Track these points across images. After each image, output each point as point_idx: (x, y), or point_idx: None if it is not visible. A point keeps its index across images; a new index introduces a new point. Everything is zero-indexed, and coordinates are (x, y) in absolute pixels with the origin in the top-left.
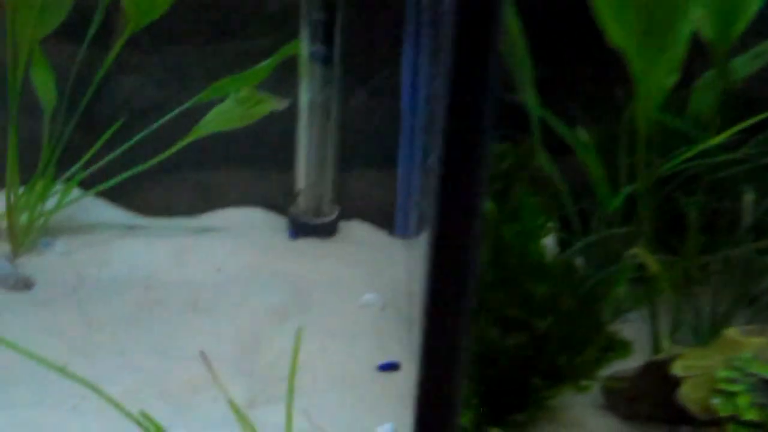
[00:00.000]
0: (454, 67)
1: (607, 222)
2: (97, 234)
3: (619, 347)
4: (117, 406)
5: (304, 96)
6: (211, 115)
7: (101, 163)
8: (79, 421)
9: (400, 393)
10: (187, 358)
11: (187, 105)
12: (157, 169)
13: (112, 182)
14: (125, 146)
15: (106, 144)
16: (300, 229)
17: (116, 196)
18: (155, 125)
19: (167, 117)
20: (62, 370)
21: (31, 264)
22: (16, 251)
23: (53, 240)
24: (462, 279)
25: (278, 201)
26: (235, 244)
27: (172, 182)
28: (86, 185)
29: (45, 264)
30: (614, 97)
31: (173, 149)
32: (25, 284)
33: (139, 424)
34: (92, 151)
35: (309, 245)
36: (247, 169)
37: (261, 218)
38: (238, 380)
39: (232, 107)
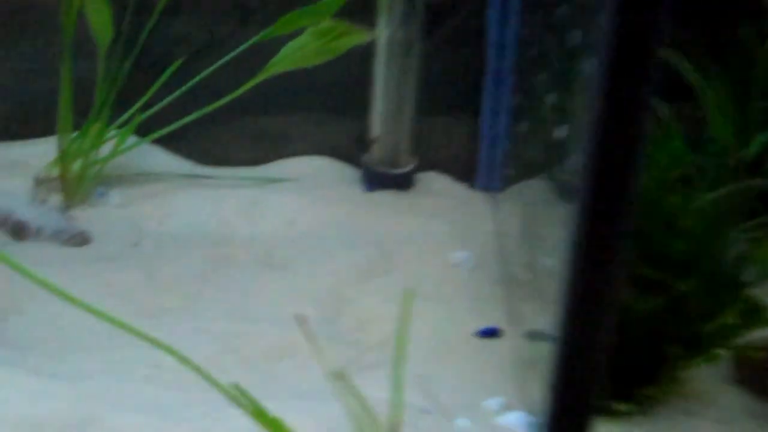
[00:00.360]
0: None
1: (733, 174)
2: (155, 184)
3: (761, 313)
4: (207, 377)
5: (383, 31)
6: (285, 51)
7: (159, 106)
8: (153, 393)
9: (502, 362)
10: (267, 321)
11: (253, 40)
12: (216, 114)
13: (170, 128)
14: (185, 87)
15: (164, 86)
16: (375, 181)
17: (172, 142)
18: (217, 64)
19: (231, 55)
20: (140, 334)
21: (85, 217)
22: (69, 203)
23: (107, 190)
24: (616, 250)
25: (348, 150)
26: (307, 196)
27: (233, 129)
28: (142, 131)
29: (100, 217)
30: (742, 37)
31: (241, 90)
32: (81, 239)
33: (231, 397)
34: (149, 93)
35: (386, 198)
36: (313, 114)
37: (330, 168)
38: (324, 346)
39: (308, 41)
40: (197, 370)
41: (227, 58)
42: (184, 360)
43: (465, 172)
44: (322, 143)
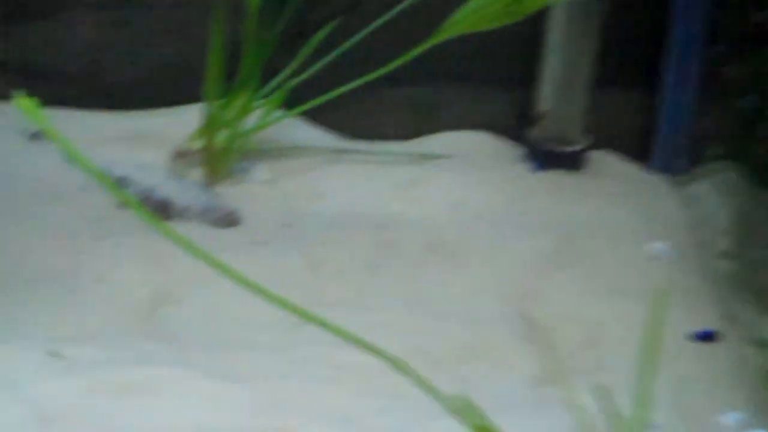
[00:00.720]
0: None
1: None
2: (302, 159)
3: None
4: (425, 384)
5: None
6: (462, 12)
7: (307, 73)
8: (343, 398)
9: (726, 370)
10: (452, 317)
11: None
12: (363, 84)
13: (322, 99)
14: (336, 53)
15: (314, 53)
16: (542, 159)
17: (315, 114)
18: (373, 26)
19: (389, 15)
20: (324, 323)
21: (231, 194)
22: (212, 178)
23: (251, 165)
24: None
25: (508, 124)
26: (470, 175)
27: (382, 100)
28: (288, 102)
29: (246, 194)
30: None
31: (408, 56)
32: (230, 219)
33: (451, 408)
34: (298, 59)
35: (557, 179)
36: (469, 84)
37: (489, 144)
38: (517, 347)
39: (490, 1)
40: (414, 376)
41: (384, 19)
42: (396, 362)
43: (639, 151)
44: (479, 116)
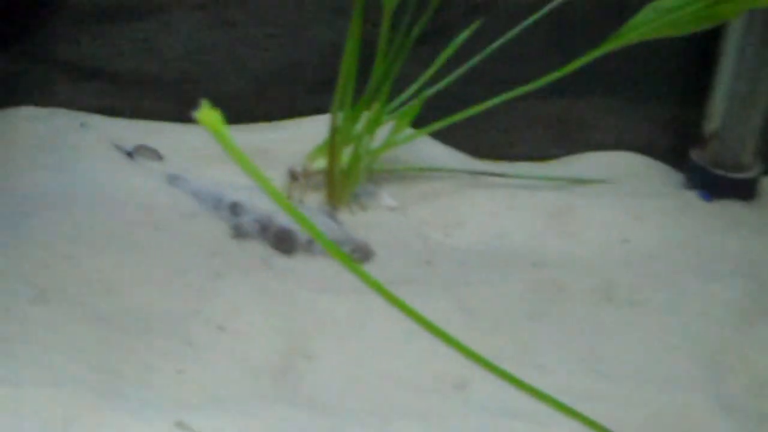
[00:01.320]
0: None
1: None
2: (432, 182)
3: None
4: None
5: None
6: (645, 15)
7: (444, 83)
8: None
9: None
10: (634, 378)
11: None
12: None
13: (456, 117)
14: (475, 60)
15: (450, 59)
16: (711, 186)
17: (442, 131)
18: (515, 31)
19: (533, 18)
20: (536, 391)
21: (356, 223)
22: (335, 203)
23: (376, 189)
24: None
25: (667, 145)
26: (631, 204)
27: (515, 115)
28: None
29: (374, 223)
30: None
31: (570, 68)
32: (364, 253)
33: None
34: (434, 67)
35: (732, 210)
36: (620, 98)
37: (644, 167)
38: (719, 417)
39: (681, 3)
40: None
41: (529, 22)
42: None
43: None
44: (631, 135)
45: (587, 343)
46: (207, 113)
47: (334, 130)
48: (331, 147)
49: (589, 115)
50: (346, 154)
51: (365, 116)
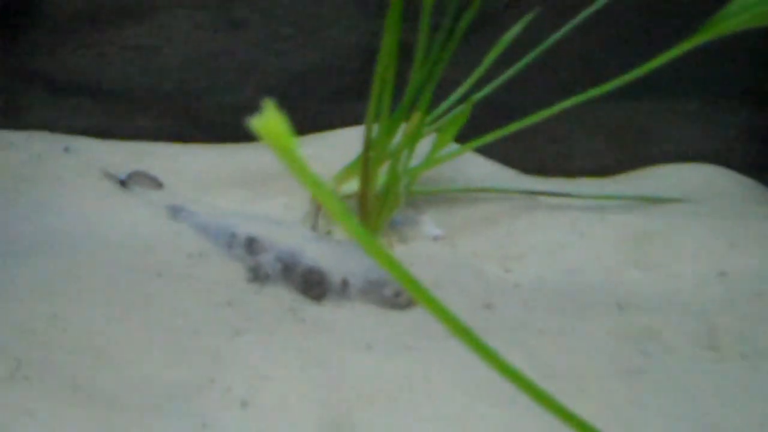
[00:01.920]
0: None
1: None
2: (484, 205)
3: None
4: None
5: None
6: (740, 4)
7: (489, 88)
8: None
9: None
10: None
11: None
12: (543, 100)
13: (512, 127)
14: (526, 60)
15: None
16: None
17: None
18: (575, 20)
19: (584, 14)
20: None
21: (396, 257)
22: (371, 233)
23: (417, 215)
24: None
25: (746, 154)
26: (720, 227)
27: (570, 121)
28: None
29: (417, 257)
30: None
31: (646, 68)
32: (407, 297)
33: None
34: (481, 69)
35: None
36: (694, 101)
37: (726, 182)
38: None
39: None
40: None
41: (588, 11)
42: None
43: None
44: (708, 144)
45: (698, 407)
46: (270, 122)
47: (369, 145)
48: (365, 165)
49: (658, 122)
50: (381, 174)
51: (403, 128)
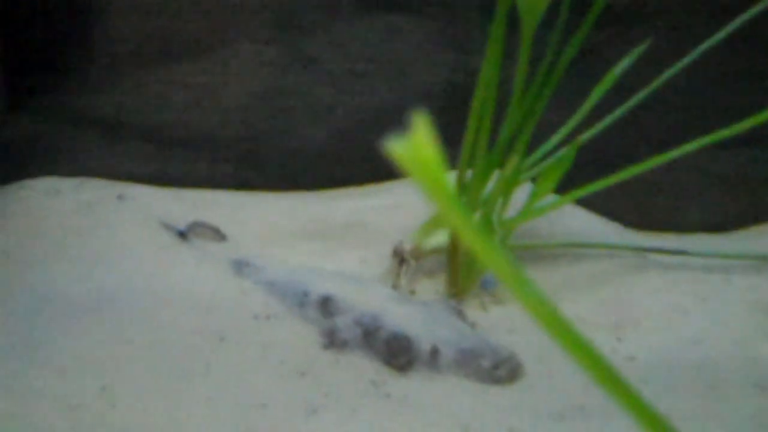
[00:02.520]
0: None
1: None
2: (585, 263)
3: None
4: None
5: None
6: None
7: (596, 129)
8: None
9: None
10: None
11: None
12: (641, 144)
13: (621, 175)
14: (639, 97)
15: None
16: None
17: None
18: (685, 61)
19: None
20: None
21: (491, 322)
22: (459, 294)
23: None
24: None
25: None
26: None
27: (684, 171)
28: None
29: (516, 322)
30: None
31: (754, 120)
32: (510, 369)
33: None
34: (585, 109)
35: None
36: None
37: None
38: None
39: None
40: None
41: (715, 39)
42: None
43: None
44: None
45: None
46: (417, 144)
47: (461, 191)
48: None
49: None
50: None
51: (497, 175)
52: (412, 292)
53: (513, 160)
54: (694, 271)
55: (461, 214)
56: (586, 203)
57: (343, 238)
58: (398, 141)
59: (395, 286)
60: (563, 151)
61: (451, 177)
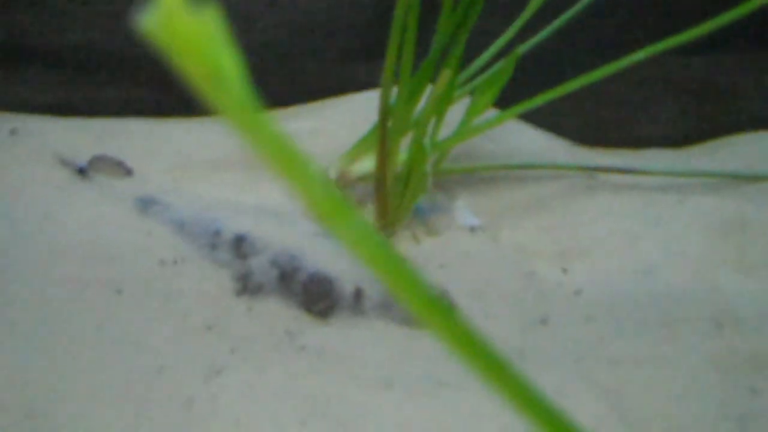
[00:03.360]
0: None
1: None
2: (529, 186)
3: None
4: None
5: None
6: None
7: (537, 38)
8: None
9: None
10: None
11: None
12: (596, 52)
13: (571, 85)
14: (578, 6)
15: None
16: None
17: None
18: None
19: None
20: None
21: (424, 254)
22: (390, 224)
23: (448, 199)
24: None
25: None
26: None
27: (638, 82)
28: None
29: (451, 254)
30: None
31: (713, 23)
32: None
33: None
34: (528, 12)
35: None
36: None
37: None
38: None
39: None
40: None
41: None
42: None
43: None
44: None
45: None
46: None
47: (386, 113)
48: (382, 139)
49: (744, 79)
50: (402, 150)
51: (429, 91)
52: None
53: (445, 75)
54: (646, 192)
55: (239, 102)
56: (533, 119)
57: (264, 169)
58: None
59: (317, 221)
60: (501, 63)
61: (373, 97)
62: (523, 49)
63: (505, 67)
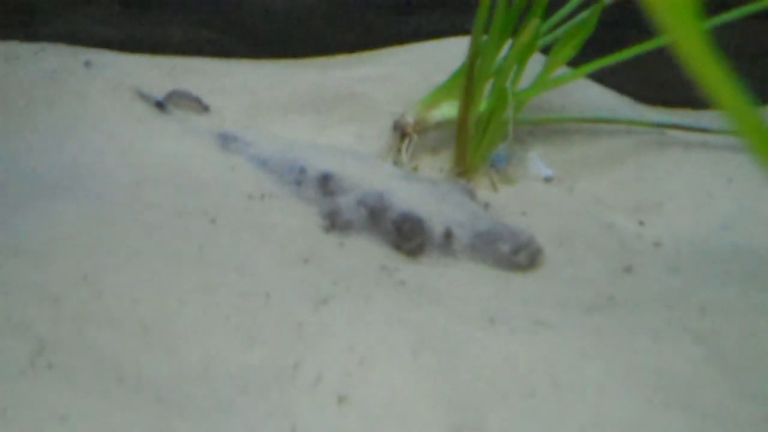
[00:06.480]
0: None
1: None
2: (601, 140)
3: None
4: None
5: None
6: None
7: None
8: None
9: None
10: None
11: None
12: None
13: (635, 50)
14: None
15: None
16: None
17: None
18: None
19: None
20: None
21: (503, 203)
22: (467, 172)
23: (522, 149)
24: None
25: None
26: None
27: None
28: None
29: (529, 203)
30: None
31: None
32: (529, 254)
33: None
34: None
35: None
36: None
37: None
38: None
39: None
40: None
41: None
42: None
43: None
44: None
45: None
46: None
47: (476, 55)
48: (469, 79)
49: None
50: (483, 100)
51: (508, 44)
52: (415, 169)
53: (533, 24)
54: (717, 150)
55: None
56: (597, 78)
57: (337, 111)
58: None
59: (396, 163)
60: (585, 14)
61: (441, 47)
62: (599, 8)
63: (589, 18)
